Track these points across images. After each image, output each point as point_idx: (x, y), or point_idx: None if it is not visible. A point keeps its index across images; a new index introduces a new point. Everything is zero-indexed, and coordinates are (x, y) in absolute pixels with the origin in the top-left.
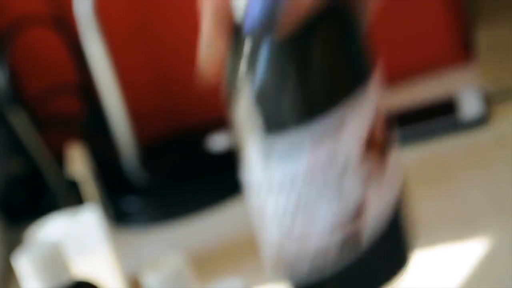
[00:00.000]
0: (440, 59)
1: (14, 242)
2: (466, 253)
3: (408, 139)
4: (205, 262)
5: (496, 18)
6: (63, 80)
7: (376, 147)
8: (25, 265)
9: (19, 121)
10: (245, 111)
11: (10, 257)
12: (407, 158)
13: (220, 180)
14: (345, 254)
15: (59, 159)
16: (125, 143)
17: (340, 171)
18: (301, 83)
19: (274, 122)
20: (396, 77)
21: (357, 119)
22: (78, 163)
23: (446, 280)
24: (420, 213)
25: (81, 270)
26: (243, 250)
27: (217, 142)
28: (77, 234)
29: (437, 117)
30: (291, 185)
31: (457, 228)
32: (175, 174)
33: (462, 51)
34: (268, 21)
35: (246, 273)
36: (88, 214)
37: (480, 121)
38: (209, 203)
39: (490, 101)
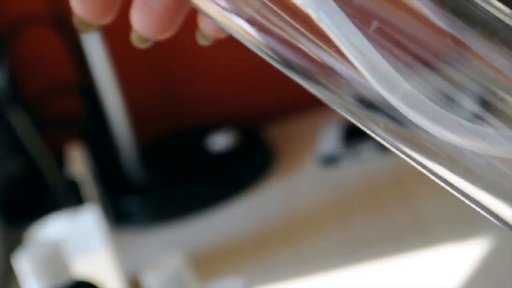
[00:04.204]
0: None
1: (14, 242)
2: (466, 253)
3: None
4: (205, 262)
5: None
6: (63, 80)
7: None
8: (25, 265)
9: (19, 121)
10: None
11: (10, 257)
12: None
13: (220, 180)
14: None
15: (59, 159)
16: (125, 143)
17: None
18: None
19: None
20: None
21: None
22: (78, 163)
23: (446, 280)
24: (420, 213)
25: (81, 270)
26: (243, 250)
27: (217, 142)
28: (77, 234)
29: None
30: None
31: (457, 228)
32: (175, 174)
33: None
34: None
35: (246, 273)
36: (88, 214)
37: None
38: (209, 203)
39: None
